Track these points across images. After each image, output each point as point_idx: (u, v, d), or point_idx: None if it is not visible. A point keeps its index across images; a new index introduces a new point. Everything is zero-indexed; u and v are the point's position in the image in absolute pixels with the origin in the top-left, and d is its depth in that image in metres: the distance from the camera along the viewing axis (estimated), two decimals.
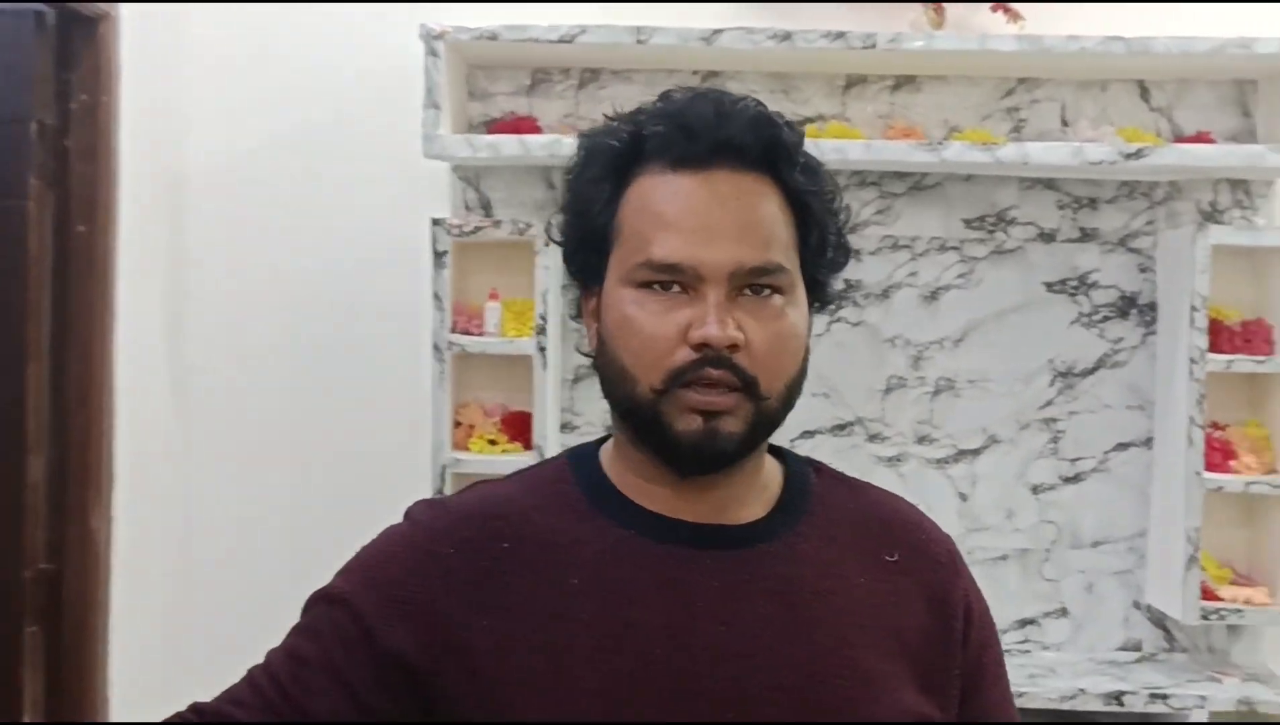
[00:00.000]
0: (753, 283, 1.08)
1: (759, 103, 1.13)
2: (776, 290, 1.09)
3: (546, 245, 2.75)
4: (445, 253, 2.77)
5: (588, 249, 1.14)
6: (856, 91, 2.92)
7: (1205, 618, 2.74)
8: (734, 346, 1.07)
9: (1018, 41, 2.70)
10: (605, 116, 1.17)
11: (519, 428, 2.86)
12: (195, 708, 1.12)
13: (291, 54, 2.96)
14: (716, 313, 1.06)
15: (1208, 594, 2.77)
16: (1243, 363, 2.77)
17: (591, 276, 1.15)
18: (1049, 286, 2.95)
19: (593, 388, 2.92)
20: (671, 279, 1.08)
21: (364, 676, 1.09)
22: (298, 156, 2.98)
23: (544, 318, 2.77)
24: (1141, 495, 2.95)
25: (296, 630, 1.14)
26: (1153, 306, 2.93)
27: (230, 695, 1.12)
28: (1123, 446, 2.97)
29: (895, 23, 2.84)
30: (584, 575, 1.10)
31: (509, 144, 2.74)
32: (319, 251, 2.99)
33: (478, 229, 2.79)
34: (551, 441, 2.82)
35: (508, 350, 2.81)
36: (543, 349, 2.77)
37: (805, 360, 1.13)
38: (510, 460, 2.80)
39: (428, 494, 2.77)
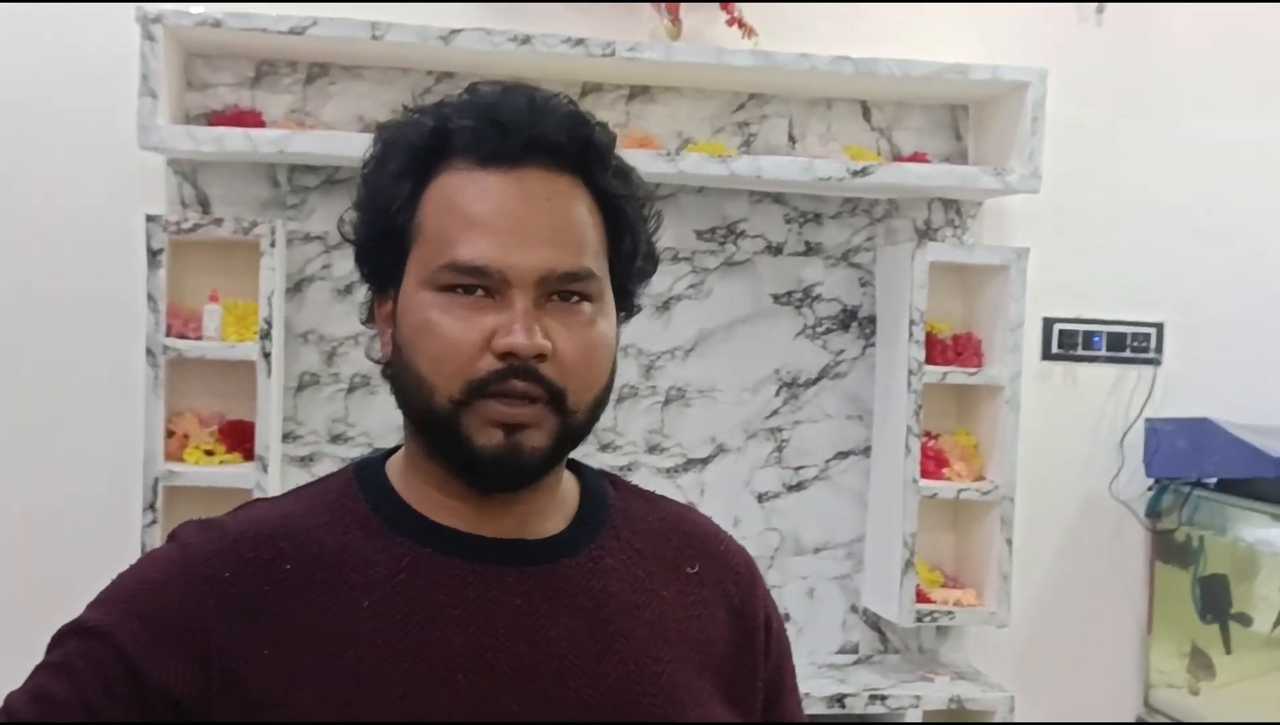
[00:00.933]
0: (562, 289, 1.03)
1: (572, 101, 1.08)
2: (586, 297, 1.04)
3: (272, 245, 2.63)
4: (160, 251, 2.60)
5: (384, 249, 1.07)
6: (593, 99, 2.91)
7: (920, 620, 2.85)
8: (541, 356, 1.01)
9: (752, 56, 2.75)
10: (405, 107, 1.11)
11: (239, 437, 2.72)
12: None
13: None
14: (524, 320, 1.01)
15: (921, 597, 2.88)
16: (955, 374, 2.90)
17: (387, 279, 1.08)
18: (776, 298, 3.01)
19: (317, 396, 2.83)
20: (476, 282, 1.02)
21: (126, 716, 0.98)
22: None
23: (268, 322, 2.64)
24: (860, 502, 3.04)
25: (43, 668, 1.02)
26: (872, 319, 3.03)
27: None
28: (843, 455, 3.06)
29: (634, 31, 2.85)
30: (375, 597, 1.02)
31: (234, 137, 2.59)
32: (19, 247, 2.75)
33: (197, 226, 2.63)
34: (274, 452, 2.69)
35: (228, 355, 2.66)
36: (267, 355, 2.63)
37: (613, 372, 1.09)
38: (230, 472, 2.66)
39: (137, 509, 2.61)
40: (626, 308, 1.13)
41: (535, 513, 1.09)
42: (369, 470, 1.12)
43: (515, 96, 1.06)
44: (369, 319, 1.12)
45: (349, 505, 1.08)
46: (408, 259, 1.05)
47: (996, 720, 2.81)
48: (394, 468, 1.11)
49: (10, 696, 1.01)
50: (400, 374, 1.06)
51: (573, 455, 1.12)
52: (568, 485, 1.14)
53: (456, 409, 1.02)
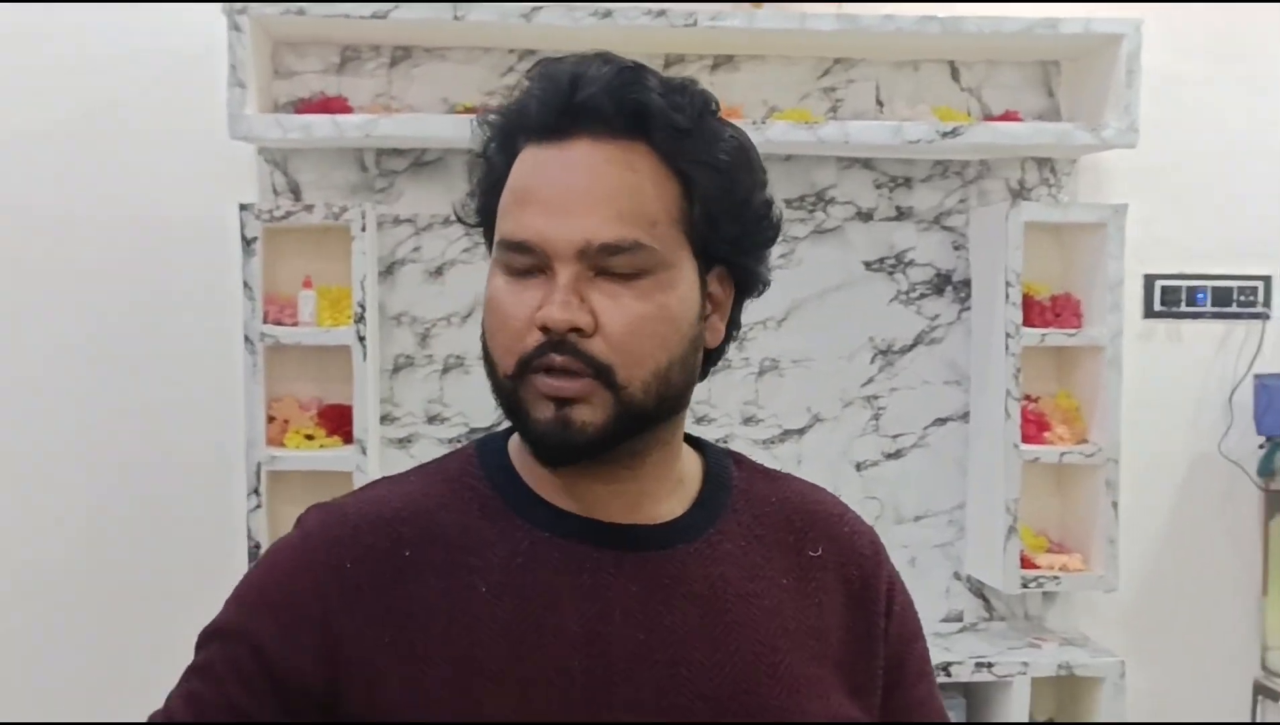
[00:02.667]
0: (608, 262, 1.00)
1: (635, 64, 1.04)
2: (643, 271, 1.01)
3: (363, 229, 2.65)
4: (255, 240, 2.63)
5: (487, 230, 1.09)
6: (676, 70, 2.88)
7: (1025, 586, 2.80)
8: (577, 330, 0.99)
9: (836, 20, 2.71)
10: (506, 94, 1.12)
11: (337, 421, 2.75)
12: None
13: (84, 27, 2.77)
14: (561, 294, 0.99)
15: (1025, 563, 2.83)
16: (1054, 336, 2.84)
17: None
18: (867, 265, 2.97)
19: (412, 377, 2.85)
20: (523, 258, 1.02)
21: (270, 712, 1.02)
22: (90, 139, 2.79)
23: (362, 306, 2.66)
24: (959, 469, 3.00)
25: (191, 671, 1.07)
26: (967, 283, 2.98)
27: None
28: (941, 421, 3.01)
29: (714, 4, 2.82)
30: (493, 580, 1.03)
31: (322, 124, 2.61)
32: (116, 242, 2.80)
33: (289, 214, 2.66)
34: (373, 434, 2.71)
35: (324, 340, 2.69)
36: (362, 338, 2.66)
37: (692, 349, 1.05)
38: (330, 455, 2.69)
39: (242, 494, 2.65)
40: (747, 281, 1.09)
41: (647, 494, 1.08)
42: (491, 448, 1.12)
43: (562, 67, 1.04)
44: None
45: (470, 484, 1.09)
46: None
47: (1108, 686, 2.76)
48: (515, 447, 1.11)
49: (170, 698, 1.06)
50: (483, 350, 1.07)
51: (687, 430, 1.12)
52: (690, 465, 1.13)
53: (514, 384, 1.02)
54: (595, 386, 1.00)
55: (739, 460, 1.17)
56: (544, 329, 0.99)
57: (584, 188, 1.00)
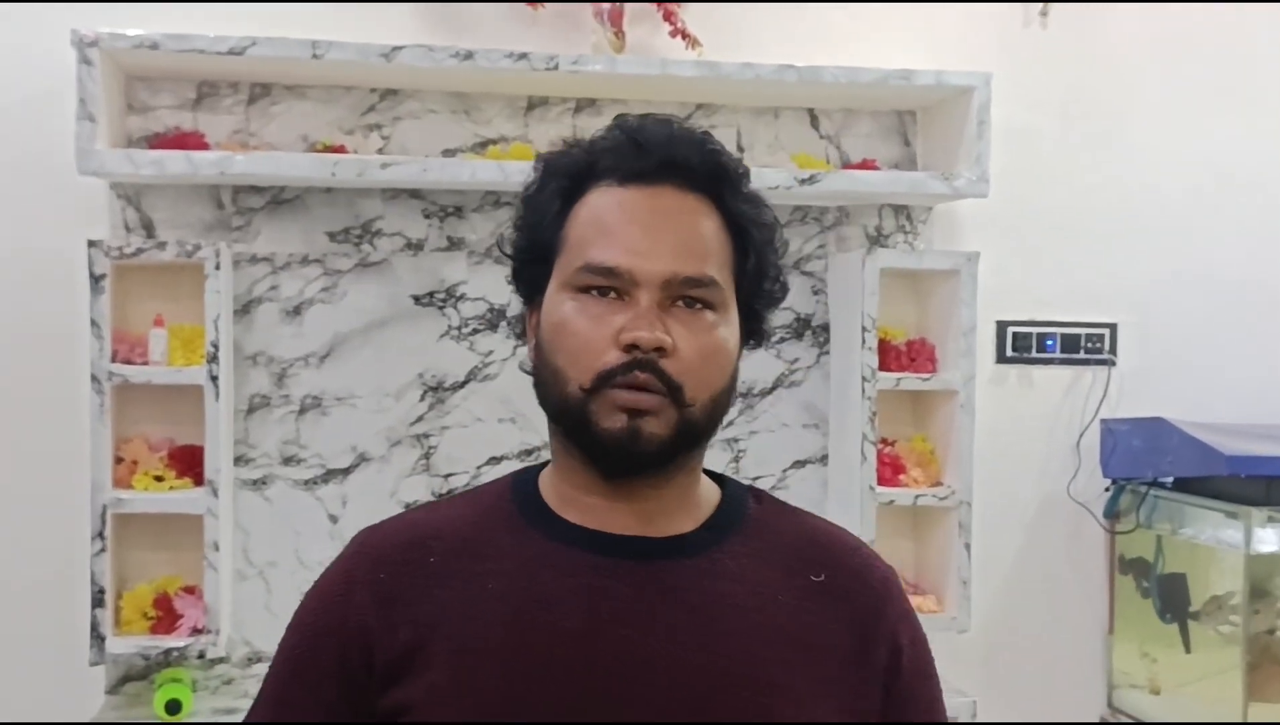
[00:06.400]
0: (686, 294, 1.14)
1: (707, 132, 1.21)
2: (709, 305, 1.15)
3: (217, 267, 2.60)
4: (104, 277, 2.57)
5: (535, 262, 1.20)
6: (539, 113, 2.90)
7: None
8: (661, 350, 1.12)
9: (696, 67, 2.74)
10: (564, 141, 1.24)
11: (189, 462, 2.68)
12: None
13: None
14: (647, 317, 1.12)
15: None
16: (910, 381, 2.89)
17: (536, 291, 1.21)
18: None
19: (267, 418, 2.80)
20: (608, 284, 1.14)
21: (331, 704, 1.18)
22: None
23: (215, 345, 2.61)
24: (818, 510, 2.96)
25: (260, 704, 1.23)
26: (826, 327, 3.02)
27: None
28: (800, 463, 3.05)
29: (578, 45, 2.84)
30: (502, 582, 1.16)
31: (175, 160, 2.56)
32: None
33: (139, 251, 2.60)
34: (225, 476, 2.66)
35: (176, 380, 2.63)
36: (215, 378, 2.61)
37: (734, 379, 1.19)
38: (180, 497, 2.63)
39: (86, 537, 2.57)
40: (755, 333, 1.24)
41: (662, 512, 1.19)
42: (524, 476, 1.25)
43: (656, 124, 1.19)
44: (521, 334, 1.26)
45: (499, 506, 1.22)
46: (553, 268, 1.18)
47: None
48: (545, 476, 1.24)
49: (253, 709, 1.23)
50: (540, 369, 1.18)
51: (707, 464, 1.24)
52: (708, 493, 1.24)
53: (587, 397, 1.13)
54: (666, 403, 1.12)
55: (759, 495, 1.27)
56: (629, 347, 1.11)
57: (672, 227, 1.15)
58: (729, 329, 1.16)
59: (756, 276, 1.20)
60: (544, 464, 1.25)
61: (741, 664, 1.13)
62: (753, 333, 1.23)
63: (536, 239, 1.20)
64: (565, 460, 1.19)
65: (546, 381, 1.17)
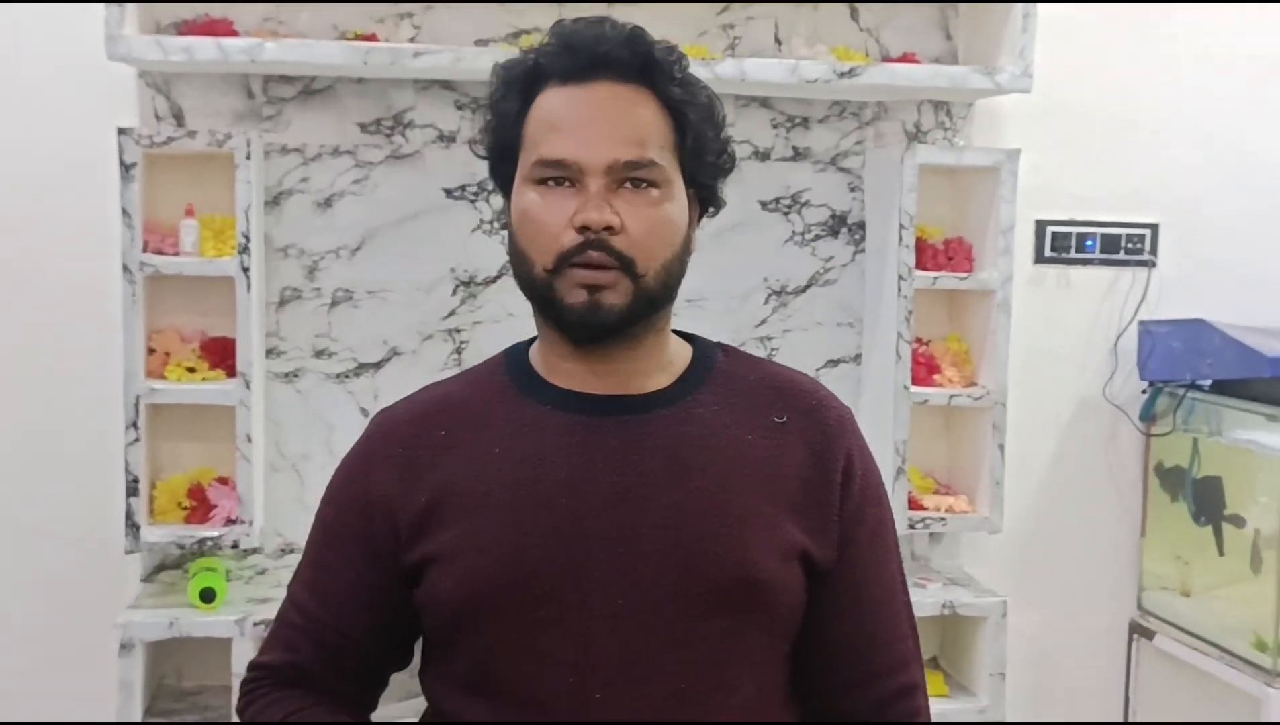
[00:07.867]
0: (630, 176, 1.26)
1: (638, 28, 1.31)
2: (653, 184, 1.27)
3: (248, 157, 2.57)
4: (134, 165, 2.55)
5: (504, 160, 1.33)
6: (573, 7, 2.83)
7: (912, 527, 2.83)
8: (610, 228, 1.25)
9: None
10: (520, 50, 1.35)
11: (220, 354, 2.68)
12: (256, 671, 1.38)
13: None
14: (595, 200, 1.25)
15: (913, 504, 2.87)
16: (946, 280, 2.86)
17: (508, 185, 1.33)
18: (763, 205, 2.96)
19: (299, 311, 2.79)
20: (560, 175, 1.27)
21: (385, 576, 1.34)
22: None
23: (247, 236, 2.59)
24: (853, 409, 3.00)
25: (304, 567, 1.40)
26: (862, 225, 2.98)
27: (280, 641, 1.38)
28: (833, 362, 3.03)
29: None
30: (504, 445, 1.31)
31: (204, 47, 2.52)
32: None
33: (170, 139, 2.58)
34: (257, 368, 2.66)
35: (207, 271, 2.62)
36: (246, 269, 2.59)
37: (684, 249, 1.31)
38: (212, 388, 2.63)
39: (120, 427, 2.58)
40: (709, 201, 1.36)
41: (637, 372, 1.33)
42: (514, 351, 1.40)
43: (588, 25, 1.30)
44: (506, 225, 1.35)
45: (494, 379, 1.38)
46: (517, 165, 1.31)
47: (989, 625, 2.80)
48: (533, 348, 1.39)
49: (290, 588, 1.40)
50: (513, 253, 1.31)
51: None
52: (679, 352, 1.38)
53: (551, 277, 1.27)
54: (620, 276, 1.26)
55: (727, 350, 1.40)
56: (582, 229, 1.25)
57: (610, 118, 1.27)
58: (675, 204, 1.29)
59: (697, 152, 1.31)
60: (533, 339, 1.39)
61: (714, 496, 1.28)
62: (708, 201, 1.36)
63: (501, 140, 1.33)
64: (546, 332, 1.34)
65: (518, 264, 1.31)
